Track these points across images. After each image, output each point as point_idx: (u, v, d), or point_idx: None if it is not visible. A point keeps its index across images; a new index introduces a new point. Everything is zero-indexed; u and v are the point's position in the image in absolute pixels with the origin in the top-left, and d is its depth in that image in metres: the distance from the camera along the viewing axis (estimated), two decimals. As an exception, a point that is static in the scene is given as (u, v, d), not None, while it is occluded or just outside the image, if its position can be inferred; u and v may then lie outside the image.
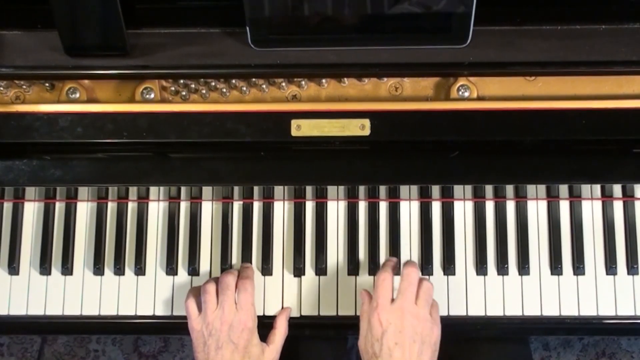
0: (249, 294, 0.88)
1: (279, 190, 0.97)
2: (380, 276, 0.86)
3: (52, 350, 1.61)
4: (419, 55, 0.82)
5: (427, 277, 0.90)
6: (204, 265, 0.96)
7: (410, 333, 0.80)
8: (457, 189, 0.96)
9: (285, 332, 0.91)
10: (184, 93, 0.87)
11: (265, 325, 0.93)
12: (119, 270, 0.96)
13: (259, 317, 0.93)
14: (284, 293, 0.95)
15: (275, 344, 0.89)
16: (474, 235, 0.95)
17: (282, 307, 0.94)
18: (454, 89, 0.86)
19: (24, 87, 0.88)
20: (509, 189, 0.96)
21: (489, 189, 0.96)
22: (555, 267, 0.94)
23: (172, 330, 0.91)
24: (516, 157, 0.86)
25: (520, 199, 0.95)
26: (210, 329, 0.85)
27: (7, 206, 0.98)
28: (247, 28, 0.80)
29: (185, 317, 0.89)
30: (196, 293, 0.90)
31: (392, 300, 0.84)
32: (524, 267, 0.94)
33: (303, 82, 0.87)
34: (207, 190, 0.97)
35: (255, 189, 0.97)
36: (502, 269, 0.94)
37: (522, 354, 1.04)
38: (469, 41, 0.81)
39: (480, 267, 0.94)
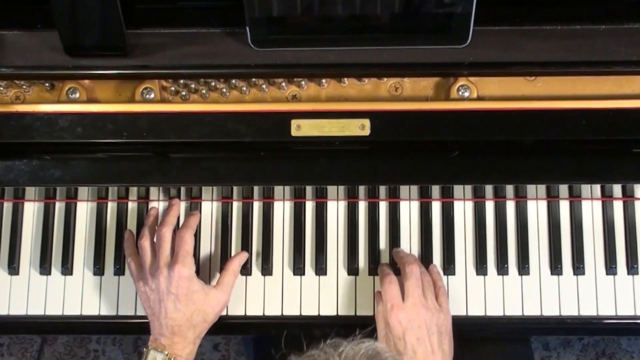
0: (185, 242, 0.88)
1: (279, 190, 0.97)
2: (385, 279, 0.87)
3: (52, 350, 1.61)
4: (419, 55, 0.82)
5: (423, 269, 0.90)
6: (204, 265, 0.96)
7: (428, 326, 0.83)
8: (457, 189, 0.96)
9: (235, 274, 0.91)
10: (184, 93, 0.87)
11: (264, 325, 0.93)
12: (119, 270, 0.96)
13: (258, 316, 0.93)
14: (283, 293, 0.95)
15: (222, 285, 0.89)
16: (474, 235, 0.95)
17: (238, 253, 0.94)
18: (454, 89, 0.86)
19: (24, 87, 0.88)
20: (509, 189, 0.96)
21: (489, 189, 0.96)
22: (555, 267, 0.94)
23: (172, 330, 0.91)
24: (516, 157, 0.86)
25: (520, 199, 0.95)
26: (150, 284, 0.86)
27: (7, 206, 0.98)
28: (247, 28, 0.80)
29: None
30: (133, 250, 0.91)
31: (403, 298, 0.86)
32: (524, 267, 0.94)
33: (303, 82, 0.87)
34: (207, 190, 0.97)
35: (255, 189, 0.97)
36: (502, 269, 0.94)
37: (524, 354, 1.04)
38: (469, 41, 0.81)
39: (480, 267, 0.94)
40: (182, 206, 0.97)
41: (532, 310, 0.93)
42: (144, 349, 0.86)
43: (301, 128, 0.84)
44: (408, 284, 0.86)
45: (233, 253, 0.95)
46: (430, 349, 0.82)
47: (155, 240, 0.90)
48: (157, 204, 0.97)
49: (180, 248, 0.87)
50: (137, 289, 0.89)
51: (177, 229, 0.92)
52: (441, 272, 0.94)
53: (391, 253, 0.94)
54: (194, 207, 0.97)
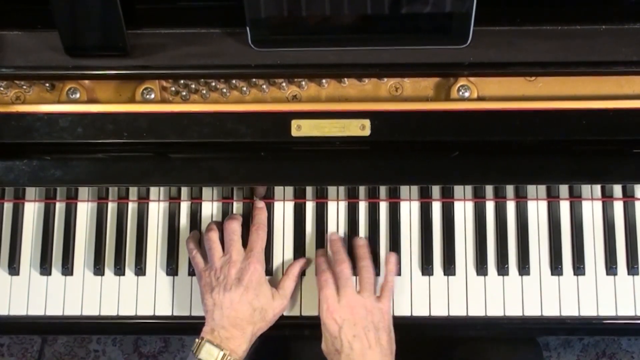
0: (260, 238, 0.90)
1: (279, 190, 0.97)
2: (320, 278, 0.88)
3: (52, 350, 1.62)
4: (419, 55, 0.82)
5: (365, 262, 0.90)
6: (204, 266, 0.95)
7: (363, 323, 0.84)
8: (457, 189, 0.96)
9: (295, 280, 0.91)
10: (184, 93, 0.87)
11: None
12: (119, 270, 0.96)
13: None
14: (284, 293, 0.94)
15: (284, 290, 0.90)
16: (474, 235, 0.95)
17: (299, 259, 0.94)
18: (454, 89, 0.86)
19: (24, 87, 0.88)
20: (509, 189, 0.96)
21: (489, 189, 0.96)
22: (556, 267, 0.94)
23: (172, 330, 0.91)
24: (516, 157, 0.86)
25: (521, 199, 0.95)
26: (218, 274, 0.86)
27: (8, 206, 0.98)
28: (247, 28, 0.80)
29: (185, 318, 0.89)
30: (197, 245, 0.92)
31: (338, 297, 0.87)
32: (524, 267, 0.94)
33: (303, 83, 0.87)
34: (207, 191, 0.97)
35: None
36: (502, 269, 0.94)
37: (533, 354, 1.04)
38: (469, 41, 0.81)
39: (481, 267, 0.94)
40: (182, 206, 0.97)
41: (532, 310, 0.93)
42: (197, 340, 0.84)
43: (301, 128, 0.84)
44: (341, 283, 0.87)
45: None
46: (367, 344, 0.82)
47: (225, 233, 0.90)
48: (157, 204, 0.97)
49: (257, 244, 0.89)
50: (200, 280, 0.88)
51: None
52: (442, 273, 0.94)
53: (390, 252, 0.94)
54: (194, 207, 0.97)
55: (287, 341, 1.06)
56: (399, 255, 0.94)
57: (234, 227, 0.90)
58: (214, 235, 0.90)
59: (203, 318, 0.91)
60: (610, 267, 0.93)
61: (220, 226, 0.93)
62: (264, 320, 0.87)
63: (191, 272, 0.95)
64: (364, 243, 0.93)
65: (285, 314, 0.93)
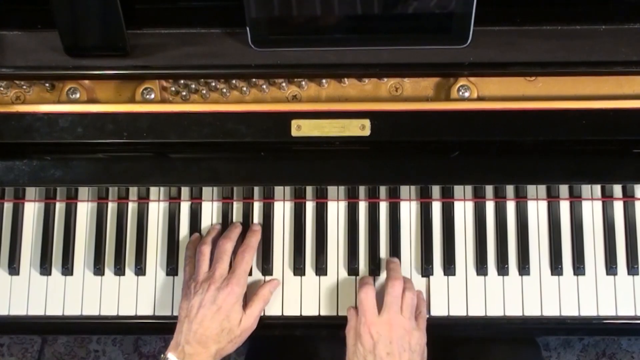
0: (245, 261, 0.90)
1: (279, 190, 0.97)
2: (362, 291, 0.87)
3: (52, 350, 1.61)
4: (419, 55, 0.82)
5: (409, 285, 0.90)
6: (204, 266, 0.95)
7: (399, 343, 0.83)
8: (457, 189, 0.96)
9: (266, 301, 0.92)
10: (184, 93, 0.87)
11: (265, 326, 0.93)
12: (119, 270, 0.96)
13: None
14: (284, 293, 0.95)
15: (252, 310, 0.89)
16: (474, 235, 0.95)
17: (270, 280, 0.94)
18: (454, 89, 0.86)
19: (24, 87, 0.88)
20: (509, 189, 0.96)
21: (489, 189, 0.96)
22: (556, 267, 0.94)
23: (172, 330, 0.91)
24: (516, 157, 0.86)
25: (521, 199, 0.95)
26: (198, 288, 0.87)
27: (8, 206, 0.98)
28: (247, 28, 0.80)
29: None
30: (193, 254, 0.92)
31: (379, 311, 0.86)
32: (524, 267, 0.94)
33: (303, 82, 0.87)
34: (207, 191, 0.97)
35: (256, 189, 0.97)
36: (502, 269, 0.94)
37: (533, 355, 1.04)
38: (469, 41, 0.81)
39: (481, 267, 0.94)
40: (182, 206, 0.97)
41: (532, 310, 0.93)
42: (161, 356, 0.86)
43: (301, 128, 0.84)
44: (387, 299, 0.86)
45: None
46: None
47: (216, 250, 0.90)
48: (157, 204, 0.97)
49: (240, 267, 0.89)
50: (184, 290, 0.90)
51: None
52: (441, 273, 0.94)
53: (391, 253, 0.94)
54: (194, 207, 0.97)
55: (303, 341, 1.06)
56: (398, 256, 0.94)
57: (226, 247, 0.90)
58: (206, 250, 0.90)
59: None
60: (610, 267, 0.93)
61: (217, 239, 0.93)
62: (230, 341, 0.87)
63: (191, 272, 0.95)
64: (398, 267, 0.92)
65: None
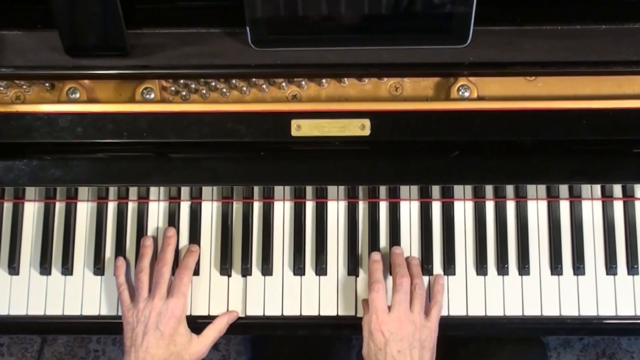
0: (183, 283, 0.90)
1: (279, 190, 0.97)
2: (372, 288, 0.88)
3: (52, 350, 1.61)
4: (419, 55, 0.82)
5: (419, 280, 0.90)
6: (204, 265, 0.96)
7: (410, 340, 0.84)
8: (457, 189, 0.96)
9: (221, 331, 0.92)
10: (184, 93, 0.87)
11: (264, 325, 0.93)
12: (119, 270, 0.96)
13: (258, 317, 0.93)
14: (284, 293, 0.95)
15: (205, 337, 0.90)
16: (474, 235, 0.95)
17: (228, 311, 0.94)
18: (454, 89, 0.86)
19: (24, 87, 0.88)
20: (509, 189, 0.96)
21: (489, 189, 0.96)
22: (556, 267, 0.94)
23: (172, 330, 0.91)
24: (516, 157, 0.86)
25: (520, 199, 0.95)
26: (140, 316, 0.87)
27: (7, 206, 0.98)
28: (247, 28, 0.80)
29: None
30: (125, 280, 0.93)
31: (389, 307, 0.86)
32: (524, 267, 0.94)
33: (303, 82, 0.87)
34: (207, 190, 0.97)
35: (255, 189, 0.97)
36: (502, 269, 0.94)
37: (537, 355, 1.04)
38: (469, 41, 0.81)
39: (481, 267, 0.94)
40: (182, 206, 0.97)
41: (532, 310, 0.93)
42: None
43: (301, 128, 0.84)
44: (396, 297, 0.87)
45: (234, 253, 0.95)
46: None
47: (154, 275, 0.91)
48: (157, 204, 0.97)
49: (177, 289, 0.89)
50: (123, 318, 0.90)
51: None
52: (441, 272, 0.94)
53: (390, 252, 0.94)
54: (194, 207, 0.97)
55: (303, 341, 1.06)
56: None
57: (162, 272, 0.90)
58: (144, 277, 0.91)
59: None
60: (610, 267, 0.93)
61: (148, 262, 0.93)
62: None
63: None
64: (418, 262, 0.93)
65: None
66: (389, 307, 0.86)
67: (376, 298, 0.87)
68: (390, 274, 0.91)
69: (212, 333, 0.91)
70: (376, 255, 0.92)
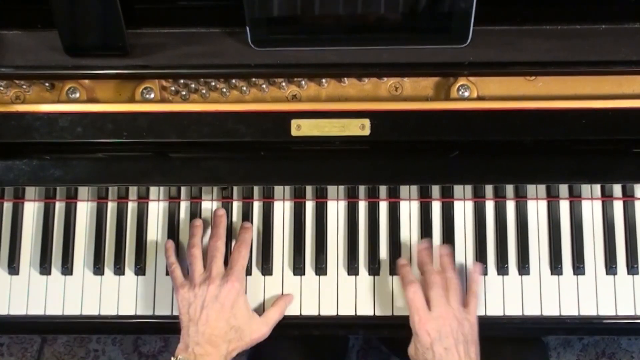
0: (241, 256, 0.90)
1: (279, 190, 0.97)
2: (409, 289, 0.87)
3: (52, 350, 1.61)
4: (419, 55, 0.82)
5: (451, 273, 0.89)
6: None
7: (454, 336, 0.84)
8: (457, 189, 0.96)
9: (282, 313, 0.91)
10: (184, 93, 0.87)
11: (265, 325, 0.93)
12: (119, 270, 0.96)
13: (259, 317, 0.93)
14: (284, 293, 0.95)
15: (267, 318, 0.90)
16: (474, 235, 0.95)
17: (285, 294, 0.94)
18: (454, 89, 0.86)
19: (24, 87, 0.88)
20: (509, 189, 0.96)
21: (489, 189, 0.96)
22: (555, 267, 0.94)
23: (172, 330, 0.91)
24: (516, 157, 0.86)
25: (520, 199, 0.95)
26: (197, 290, 0.86)
27: (7, 206, 0.98)
28: (247, 28, 0.80)
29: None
30: (176, 259, 0.92)
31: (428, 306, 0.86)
32: (524, 267, 0.94)
33: (303, 82, 0.87)
34: (207, 190, 0.97)
35: (255, 188, 0.97)
36: (502, 269, 0.94)
37: (538, 355, 1.04)
38: (469, 41, 0.81)
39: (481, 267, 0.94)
40: (182, 206, 0.97)
41: (532, 310, 0.93)
42: (172, 358, 0.85)
43: (301, 128, 0.84)
44: (432, 295, 0.86)
45: (231, 249, 0.95)
46: (457, 357, 0.82)
47: (208, 250, 0.91)
48: (157, 204, 0.97)
49: (237, 263, 0.89)
50: (177, 295, 0.89)
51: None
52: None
53: (391, 253, 0.94)
54: (194, 207, 0.97)
55: (303, 341, 1.06)
56: (398, 255, 0.94)
57: (218, 245, 0.90)
58: (197, 252, 0.90)
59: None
60: (610, 266, 0.93)
61: (203, 237, 0.93)
62: (240, 339, 0.86)
63: (191, 272, 0.95)
64: (449, 252, 0.92)
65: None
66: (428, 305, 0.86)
67: (414, 298, 0.86)
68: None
69: (274, 314, 0.90)
70: (402, 261, 0.92)
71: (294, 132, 0.84)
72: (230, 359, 0.86)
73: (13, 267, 0.96)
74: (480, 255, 0.94)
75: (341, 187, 0.96)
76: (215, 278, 0.87)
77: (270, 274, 0.95)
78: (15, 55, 0.84)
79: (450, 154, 0.87)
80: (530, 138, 0.84)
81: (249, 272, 0.94)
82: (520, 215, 0.95)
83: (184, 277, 0.90)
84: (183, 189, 0.97)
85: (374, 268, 0.94)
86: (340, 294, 0.94)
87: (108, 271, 0.96)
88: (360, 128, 0.83)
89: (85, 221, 0.97)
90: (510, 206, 0.96)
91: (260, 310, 0.94)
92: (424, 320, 0.85)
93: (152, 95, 0.87)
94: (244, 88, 0.87)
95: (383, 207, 0.96)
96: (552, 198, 0.95)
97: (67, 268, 0.96)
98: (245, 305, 0.88)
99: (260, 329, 0.88)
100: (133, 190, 0.98)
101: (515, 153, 0.86)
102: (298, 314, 0.94)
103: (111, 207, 0.98)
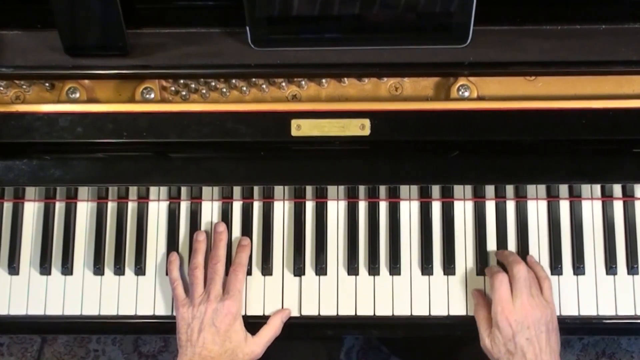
0: (238, 280, 0.90)
1: (279, 190, 0.97)
2: (495, 279, 0.88)
3: (52, 350, 1.61)
4: (419, 55, 0.82)
5: (523, 266, 0.88)
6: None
7: (536, 326, 0.84)
8: (457, 189, 0.96)
9: (276, 331, 0.92)
10: (184, 93, 0.87)
11: (263, 325, 0.93)
12: (119, 270, 0.96)
13: (258, 317, 0.93)
14: (284, 293, 0.95)
15: (260, 338, 0.90)
16: (474, 235, 0.95)
17: (282, 308, 0.94)
18: (454, 89, 0.86)
19: (24, 87, 0.88)
20: (509, 189, 0.96)
21: (489, 189, 0.96)
22: (555, 267, 0.94)
23: (172, 330, 0.91)
24: (516, 157, 0.86)
25: (520, 199, 0.95)
26: (195, 312, 0.88)
27: (7, 206, 0.98)
28: (247, 28, 0.80)
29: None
30: (179, 275, 0.93)
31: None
32: (524, 267, 0.94)
33: (303, 82, 0.87)
34: (207, 190, 0.97)
35: (255, 188, 0.97)
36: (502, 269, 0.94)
37: None
38: (469, 41, 0.81)
39: (481, 267, 0.94)
40: (182, 206, 0.97)
41: (532, 310, 0.93)
42: None
43: (301, 128, 0.84)
44: (517, 285, 0.86)
45: (234, 253, 0.95)
46: (539, 348, 0.83)
47: (208, 271, 0.91)
48: (157, 204, 0.97)
49: (233, 286, 0.89)
50: (178, 313, 0.90)
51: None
52: (441, 272, 0.94)
53: (391, 253, 0.94)
54: (194, 207, 0.97)
55: (302, 341, 1.06)
56: (398, 255, 0.94)
57: (217, 268, 0.91)
58: (199, 273, 0.91)
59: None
60: (610, 266, 0.93)
61: (202, 258, 0.93)
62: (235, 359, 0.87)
63: (191, 272, 0.95)
64: (511, 252, 0.93)
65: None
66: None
67: (500, 288, 0.87)
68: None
69: (268, 333, 0.91)
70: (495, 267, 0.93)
71: (294, 132, 0.84)
72: None
73: (13, 267, 0.96)
74: (481, 255, 0.94)
75: (341, 187, 0.96)
76: (213, 301, 0.88)
77: (270, 274, 0.95)
78: (15, 55, 0.84)
79: (450, 154, 0.87)
80: (530, 138, 0.84)
81: (249, 272, 0.94)
82: (520, 215, 0.95)
83: (185, 294, 0.91)
84: (183, 188, 0.97)
85: (374, 268, 0.94)
86: (340, 294, 0.94)
87: (108, 271, 0.96)
88: (360, 128, 0.83)
89: (85, 221, 0.97)
90: (510, 206, 0.96)
91: (260, 310, 0.94)
92: (508, 310, 0.85)
93: (152, 95, 0.87)
94: (244, 88, 0.87)
95: (383, 207, 0.96)
96: (552, 198, 0.95)
97: (67, 268, 0.96)
98: (240, 328, 0.89)
99: (253, 350, 0.89)
100: (133, 190, 0.98)
101: (516, 153, 0.87)
102: (298, 314, 0.94)
103: (111, 207, 0.98)
